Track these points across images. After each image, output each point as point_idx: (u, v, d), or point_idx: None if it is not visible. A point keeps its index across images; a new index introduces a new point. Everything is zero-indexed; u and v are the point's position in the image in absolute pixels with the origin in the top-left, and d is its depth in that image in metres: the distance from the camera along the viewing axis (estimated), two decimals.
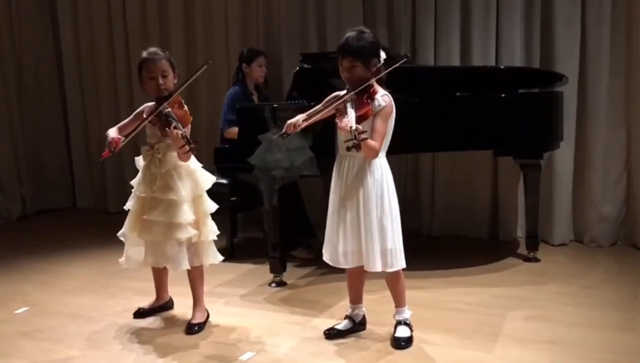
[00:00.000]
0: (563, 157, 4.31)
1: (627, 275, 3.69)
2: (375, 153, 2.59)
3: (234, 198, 4.17)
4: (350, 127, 2.42)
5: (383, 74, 2.65)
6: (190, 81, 2.89)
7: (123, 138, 2.84)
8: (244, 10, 5.17)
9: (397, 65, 2.66)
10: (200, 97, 5.26)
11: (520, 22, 4.33)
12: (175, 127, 2.71)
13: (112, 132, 2.90)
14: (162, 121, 2.79)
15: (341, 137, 2.65)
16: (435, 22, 4.54)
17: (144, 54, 2.92)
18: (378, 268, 2.62)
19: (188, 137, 2.69)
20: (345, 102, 2.57)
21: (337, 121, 2.56)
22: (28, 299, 3.51)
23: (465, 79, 4.08)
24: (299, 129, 2.70)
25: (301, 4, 4.93)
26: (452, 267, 3.88)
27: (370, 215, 2.61)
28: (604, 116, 4.23)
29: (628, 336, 2.79)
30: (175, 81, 2.95)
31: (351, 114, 2.50)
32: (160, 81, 2.87)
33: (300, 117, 2.72)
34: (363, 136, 2.42)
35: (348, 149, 2.46)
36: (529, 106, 3.84)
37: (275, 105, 3.55)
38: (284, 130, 2.71)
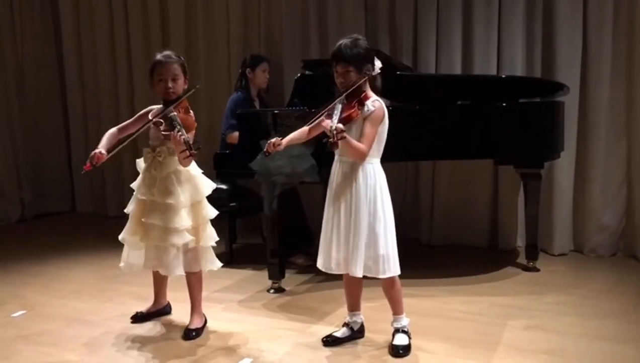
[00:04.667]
0: (563, 167, 4.31)
1: (626, 285, 3.68)
2: (362, 156, 2.59)
3: (233, 204, 4.17)
4: (331, 126, 2.44)
5: (361, 81, 2.61)
6: (179, 101, 2.85)
7: (106, 154, 2.79)
8: (246, 16, 5.19)
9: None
10: (201, 103, 5.26)
11: (522, 32, 4.34)
12: (178, 132, 2.70)
13: (103, 143, 2.85)
14: (166, 125, 2.79)
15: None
16: (437, 31, 4.55)
17: (158, 56, 2.91)
18: (359, 274, 2.62)
19: (190, 143, 2.68)
20: (334, 105, 2.59)
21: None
22: (25, 302, 3.50)
23: (467, 88, 4.08)
24: (279, 148, 2.70)
25: (302, 11, 4.94)
26: (452, 276, 3.86)
27: (361, 221, 2.61)
28: (605, 126, 4.23)
29: (627, 347, 2.78)
30: (185, 86, 2.94)
31: (336, 115, 2.53)
32: (170, 84, 2.86)
33: (281, 138, 2.71)
34: (340, 135, 2.43)
35: (325, 147, 2.47)
36: (530, 116, 3.84)
37: (275, 111, 3.55)
38: (264, 148, 2.71)
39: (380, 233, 2.63)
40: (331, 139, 2.43)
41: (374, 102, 2.63)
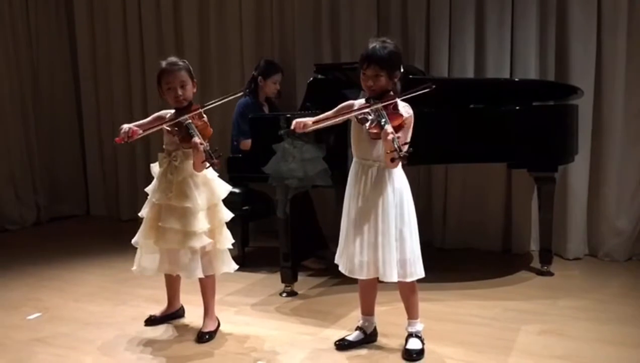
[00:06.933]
0: (578, 170, 4.28)
1: None
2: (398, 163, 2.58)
3: (246, 207, 4.18)
4: (393, 138, 2.41)
5: (409, 95, 2.60)
6: (216, 104, 2.91)
7: (141, 131, 2.87)
8: (259, 21, 5.21)
9: (418, 92, 2.59)
10: (213, 108, 5.25)
11: (535, 35, 4.32)
12: (198, 140, 2.73)
13: (134, 124, 2.92)
14: (183, 132, 2.81)
15: (362, 146, 2.64)
16: (450, 34, 4.54)
17: (163, 64, 2.92)
18: (394, 278, 2.60)
19: (211, 152, 2.70)
20: (372, 111, 2.54)
21: (370, 130, 2.53)
22: (40, 305, 3.53)
23: (480, 91, 4.07)
24: (307, 130, 2.67)
25: (315, 16, 4.96)
26: (465, 280, 3.85)
27: (389, 225, 2.59)
28: (620, 129, 4.20)
29: None
30: (194, 90, 2.96)
31: (386, 124, 2.48)
32: (179, 92, 2.88)
33: (309, 119, 2.70)
34: (406, 146, 2.41)
35: (392, 160, 2.43)
36: (543, 119, 3.82)
37: (288, 115, 3.56)
38: (292, 126, 2.69)
39: (406, 236, 2.62)
40: (398, 153, 2.39)
41: (405, 108, 2.61)
